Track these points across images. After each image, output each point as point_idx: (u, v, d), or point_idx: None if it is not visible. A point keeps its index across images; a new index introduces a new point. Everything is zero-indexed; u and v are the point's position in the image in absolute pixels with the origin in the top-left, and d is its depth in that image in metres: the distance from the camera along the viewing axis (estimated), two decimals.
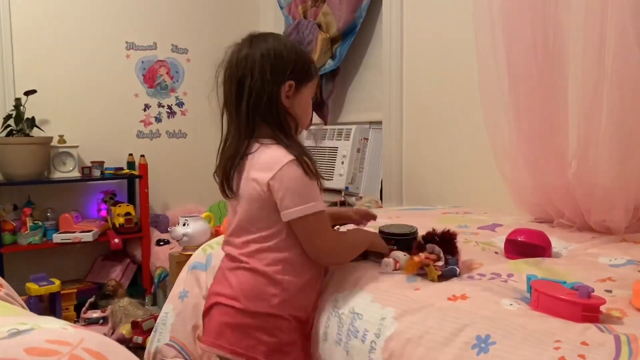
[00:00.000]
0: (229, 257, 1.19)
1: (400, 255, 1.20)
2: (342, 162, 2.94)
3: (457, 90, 2.30)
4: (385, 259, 1.20)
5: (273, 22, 3.58)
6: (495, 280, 1.10)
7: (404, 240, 1.25)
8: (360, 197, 2.74)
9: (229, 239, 1.20)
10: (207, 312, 1.20)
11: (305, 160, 1.09)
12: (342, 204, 1.82)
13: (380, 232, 1.31)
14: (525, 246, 1.29)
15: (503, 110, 1.60)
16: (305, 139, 3.28)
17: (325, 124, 3.14)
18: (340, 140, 2.99)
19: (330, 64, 2.97)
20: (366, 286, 1.11)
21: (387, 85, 2.66)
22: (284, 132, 1.12)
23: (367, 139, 2.95)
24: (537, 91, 1.47)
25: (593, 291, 0.89)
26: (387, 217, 1.79)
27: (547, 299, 0.91)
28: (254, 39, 1.17)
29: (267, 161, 1.09)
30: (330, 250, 1.14)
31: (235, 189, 1.15)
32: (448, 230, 1.21)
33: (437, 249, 1.15)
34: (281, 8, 3.36)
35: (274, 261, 1.11)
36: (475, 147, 2.18)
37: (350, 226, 1.38)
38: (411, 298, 1.02)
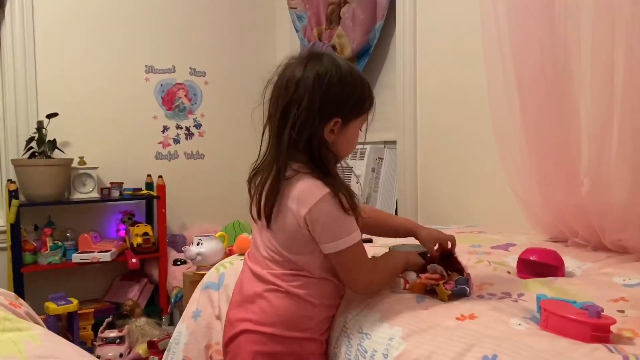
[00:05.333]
0: (258, 278, 1.13)
1: (412, 275, 1.21)
2: (357, 182, 2.94)
3: (470, 109, 2.31)
4: (396, 278, 1.20)
5: (289, 44, 3.63)
6: (505, 299, 1.09)
7: None
8: None
9: (262, 259, 1.14)
10: (232, 340, 1.14)
11: (341, 193, 1.04)
12: None
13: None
14: (538, 265, 1.28)
15: (514, 129, 1.60)
16: None
17: None
18: (354, 159, 3.00)
19: None
20: (375, 306, 1.11)
21: (401, 105, 2.68)
22: (321, 164, 1.07)
23: (382, 159, 2.96)
24: (547, 110, 1.47)
25: (603, 311, 0.88)
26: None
27: (556, 319, 0.90)
28: (310, 61, 1.08)
29: (303, 193, 1.05)
30: (367, 283, 1.12)
31: (269, 212, 1.10)
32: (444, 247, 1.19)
33: (439, 268, 1.15)
34: (297, 31, 3.42)
35: (309, 284, 1.10)
36: (490, 167, 2.17)
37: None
38: (419, 317, 1.02)
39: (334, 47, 2.98)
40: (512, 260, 1.39)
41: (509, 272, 1.32)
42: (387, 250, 1.35)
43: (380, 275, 1.15)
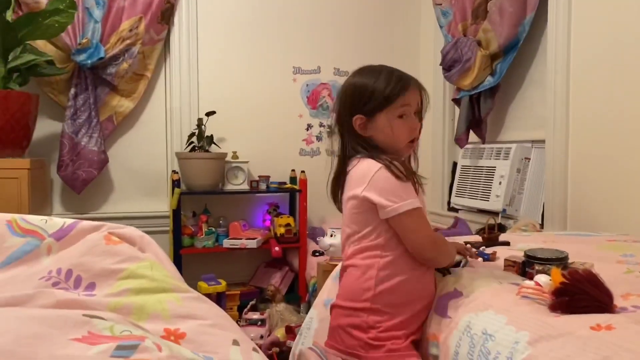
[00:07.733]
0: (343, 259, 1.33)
1: (546, 279, 1.14)
2: (500, 183, 2.82)
3: (630, 108, 2.09)
4: (527, 281, 1.14)
5: (433, 41, 3.58)
6: None
7: (547, 264, 1.18)
8: (517, 220, 2.61)
9: (344, 241, 1.32)
10: (330, 314, 1.32)
11: (395, 165, 1.19)
12: (492, 227, 1.75)
13: (525, 254, 1.27)
14: None
15: None
16: (461, 158, 3.21)
17: (483, 143, 3.04)
18: (498, 159, 2.87)
19: (489, 81, 2.88)
20: (501, 308, 1.07)
21: (552, 102, 2.50)
22: (371, 151, 1.24)
23: (529, 159, 2.79)
24: None
25: None
26: (541, 242, 1.69)
27: None
28: (351, 74, 1.32)
29: (360, 174, 1.22)
30: (425, 246, 1.20)
31: (339, 196, 1.33)
32: None
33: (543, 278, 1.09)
34: (441, 27, 3.35)
35: (371, 256, 1.21)
36: None
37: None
38: (549, 324, 0.96)
39: (479, 42, 2.88)
40: None
41: None
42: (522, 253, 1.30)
43: (440, 246, 1.24)
